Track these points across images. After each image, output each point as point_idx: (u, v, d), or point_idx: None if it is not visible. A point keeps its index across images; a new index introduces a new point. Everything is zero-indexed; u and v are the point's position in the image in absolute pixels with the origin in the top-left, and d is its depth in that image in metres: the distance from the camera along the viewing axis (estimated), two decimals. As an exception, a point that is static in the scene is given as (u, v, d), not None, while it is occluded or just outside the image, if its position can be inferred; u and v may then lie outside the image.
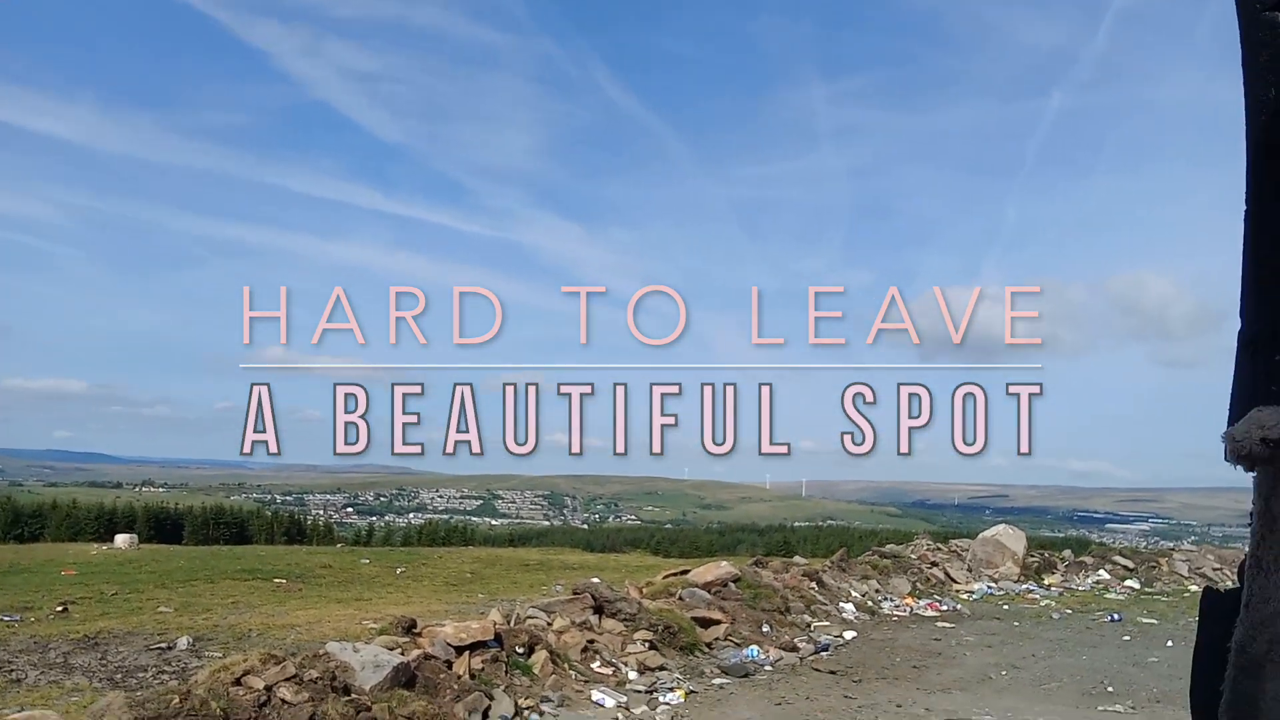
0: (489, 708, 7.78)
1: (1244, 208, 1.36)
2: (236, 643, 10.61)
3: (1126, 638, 13.90)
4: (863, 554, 20.58)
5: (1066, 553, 23.26)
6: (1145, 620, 15.67)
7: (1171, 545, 30.22)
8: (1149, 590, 19.96)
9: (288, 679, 6.55)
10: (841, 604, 15.51)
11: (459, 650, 8.42)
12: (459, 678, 7.98)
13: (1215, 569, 21.63)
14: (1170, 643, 13.26)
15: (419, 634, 8.65)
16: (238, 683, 6.49)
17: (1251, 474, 1.19)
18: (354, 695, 6.84)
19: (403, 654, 7.89)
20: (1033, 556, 21.67)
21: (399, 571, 20.67)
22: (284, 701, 6.36)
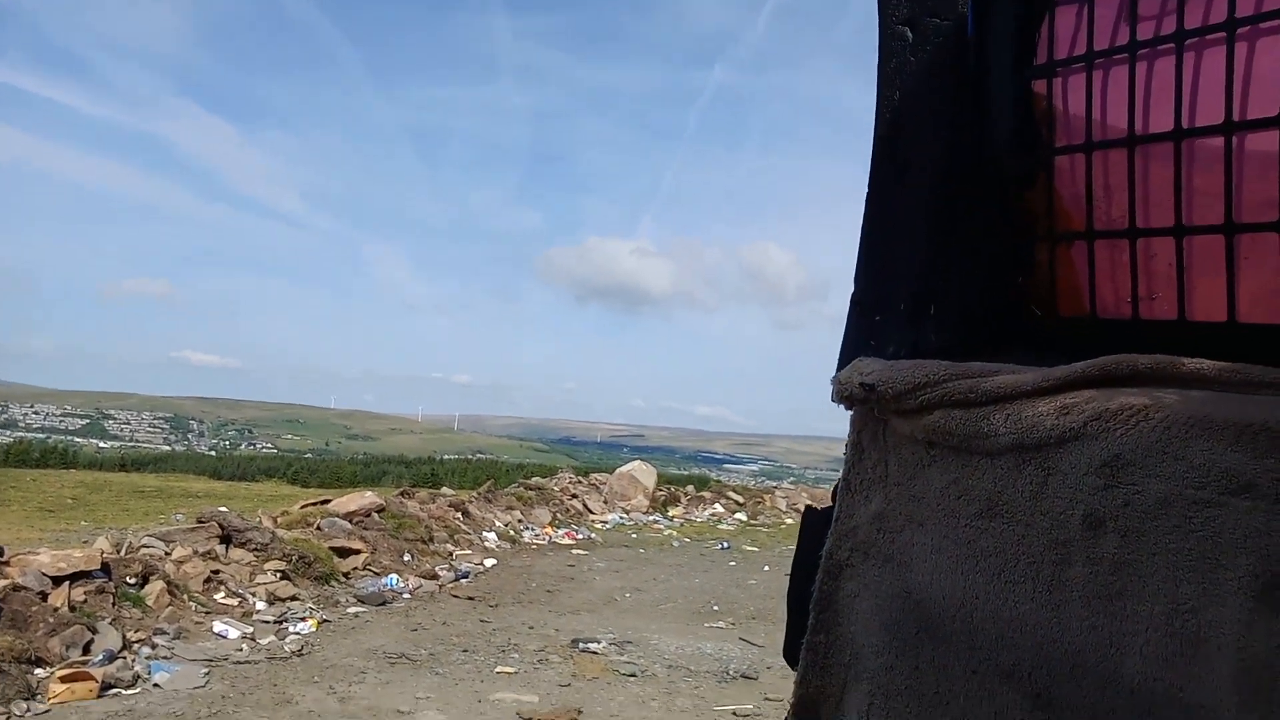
0: (91, 641, 7.02)
1: (866, 191, 1.60)
2: None
3: (733, 563, 15.73)
4: (509, 486, 21.19)
5: (689, 488, 25.68)
6: (749, 548, 17.81)
7: (775, 484, 34.53)
8: (754, 522, 22.68)
9: None
10: (485, 533, 15.89)
11: (57, 581, 7.47)
12: (55, 610, 7.10)
13: (808, 504, 25.10)
14: (767, 567, 15.22)
15: (6, 563, 7.56)
16: None
17: (850, 412, 1.42)
18: (-86, 634, 5.84)
19: (-18, 586, 6.86)
20: (661, 491, 23.68)
21: (-23, 495, 17.78)
22: None
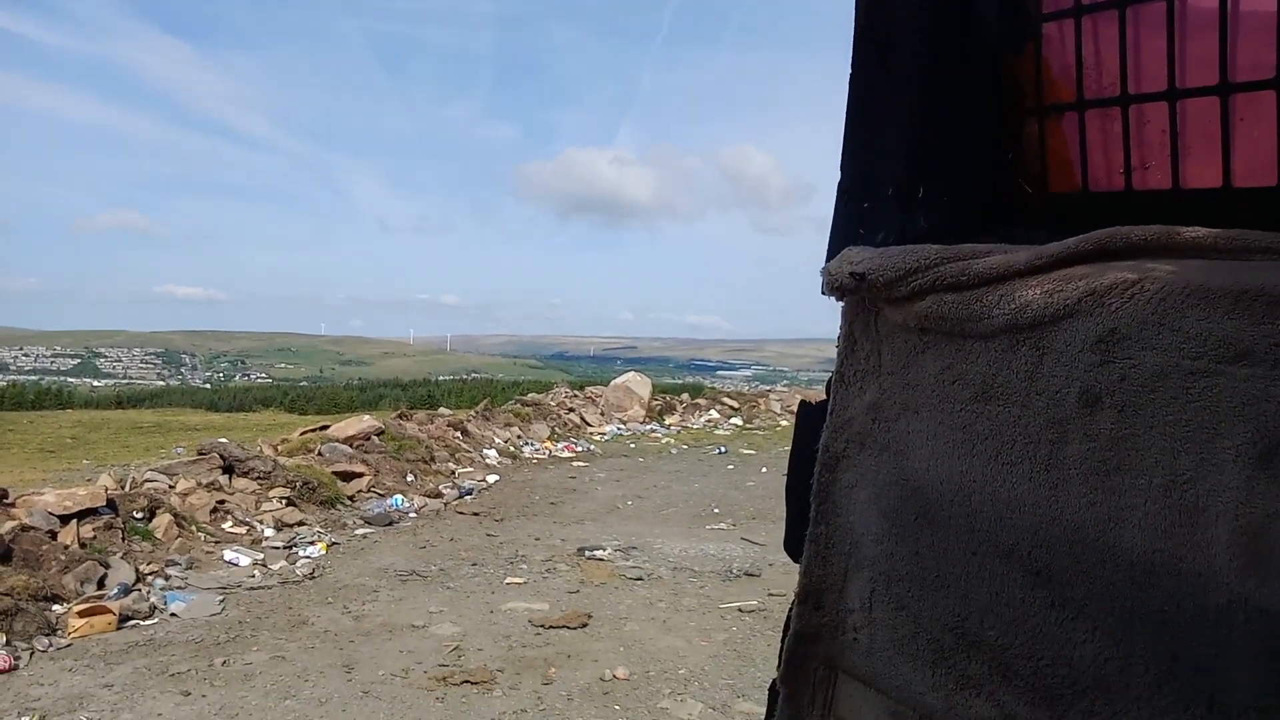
0: (105, 576, 7.14)
1: (849, 75, 1.54)
2: None
3: (730, 467, 15.96)
4: (506, 403, 21.32)
5: (684, 396, 25.87)
6: (746, 451, 18.05)
7: (768, 388, 34.80)
8: (750, 426, 22.94)
9: None
10: (485, 450, 16.05)
11: (65, 520, 7.55)
12: (66, 548, 7.19)
13: (802, 400, 25.34)
14: (764, 469, 15.45)
15: (12, 504, 7.62)
16: None
17: (841, 303, 1.40)
18: (-72, 579, 5.92)
19: (-9, 529, 6.93)
20: (656, 400, 23.86)
21: (-23, 441, 17.81)
22: None
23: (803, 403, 1.56)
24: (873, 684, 1.36)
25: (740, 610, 7.38)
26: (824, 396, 1.48)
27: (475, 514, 11.36)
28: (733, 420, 23.40)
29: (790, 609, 1.47)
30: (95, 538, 7.70)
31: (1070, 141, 1.32)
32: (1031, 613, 1.12)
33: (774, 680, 1.52)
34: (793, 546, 1.47)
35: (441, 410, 19.40)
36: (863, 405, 1.34)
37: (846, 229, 1.47)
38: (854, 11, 1.50)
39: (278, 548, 9.13)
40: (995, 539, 1.16)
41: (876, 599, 1.32)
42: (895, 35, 1.44)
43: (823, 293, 1.41)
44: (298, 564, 8.59)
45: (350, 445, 12.87)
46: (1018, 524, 1.14)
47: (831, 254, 1.44)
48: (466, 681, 5.76)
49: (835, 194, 1.53)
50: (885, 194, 1.43)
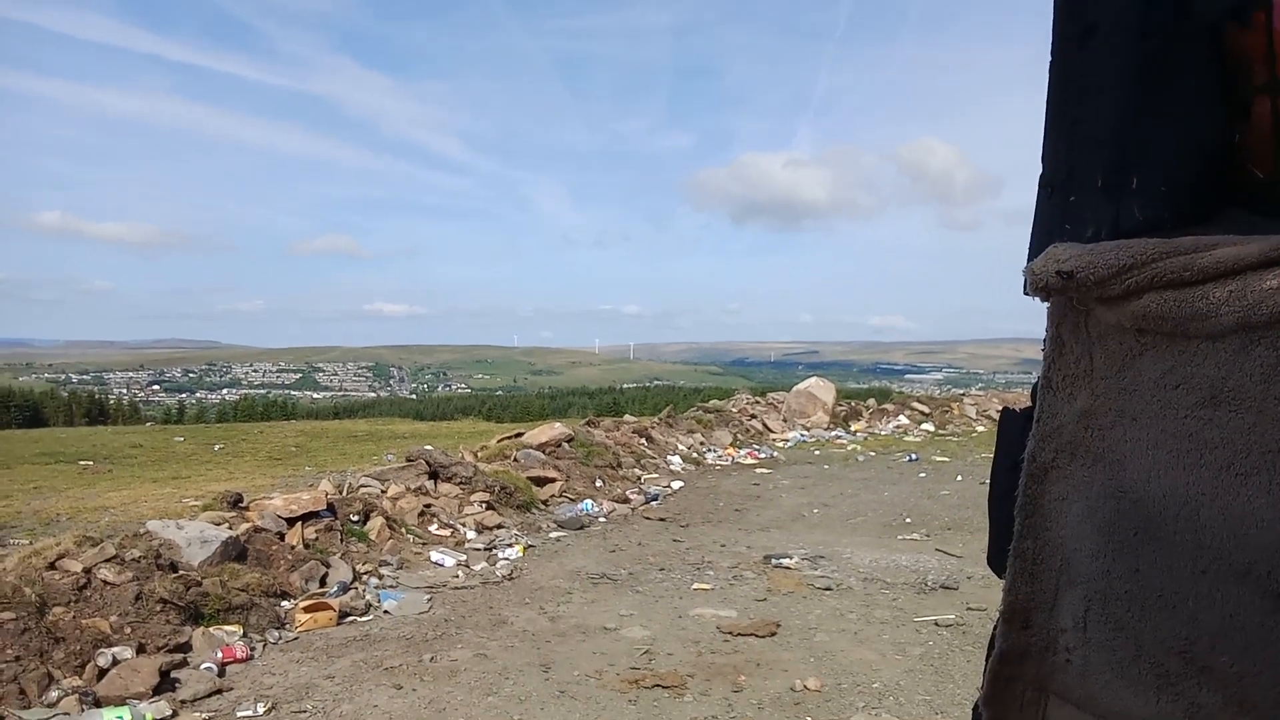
0: (326, 575, 7.77)
1: (1049, 59, 1.46)
2: (44, 528, 9.98)
3: (922, 475, 15.38)
4: (688, 410, 21.51)
5: (871, 401, 25.18)
6: (939, 459, 17.34)
7: (962, 391, 33.28)
8: (942, 432, 22.03)
9: (108, 560, 6.24)
10: (669, 457, 16.26)
11: (290, 522, 8.28)
12: (293, 548, 7.88)
13: (999, 411, 24.08)
14: (960, 477, 14.79)
15: (246, 508, 8.43)
16: (52, 567, 6.14)
17: (1046, 305, 1.32)
18: (182, 572, 6.64)
19: (231, 528, 7.68)
20: (841, 406, 23.35)
21: (217, 448, 19.87)
22: (106, 583, 6.08)
23: (1005, 409, 1.49)
24: (1087, 708, 1.28)
25: (937, 624, 7.09)
26: (1027, 402, 1.40)
27: (661, 519, 11.52)
28: (924, 426, 22.55)
29: (995, 627, 1.40)
30: (317, 539, 8.38)
31: None
32: (1273, 638, 1.02)
33: (976, 701, 1.46)
34: (996, 561, 1.40)
35: (627, 417, 19.84)
36: (1073, 412, 1.26)
37: (1050, 224, 1.39)
38: None
39: (479, 549, 9.61)
40: (1228, 557, 1.07)
41: (1092, 618, 1.24)
42: (1100, 12, 1.35)
43: (1025, 293, 1.34)
44: (497, 565, 9.01)
45: (543, 451, 13.40)
46: (1254, 541, 1.04)
47: (1034, 251, 1.37)
48: (658, 685, 5.84)
49: (1037, 187, 1.46)
50: (1093, 185, 1.34)
